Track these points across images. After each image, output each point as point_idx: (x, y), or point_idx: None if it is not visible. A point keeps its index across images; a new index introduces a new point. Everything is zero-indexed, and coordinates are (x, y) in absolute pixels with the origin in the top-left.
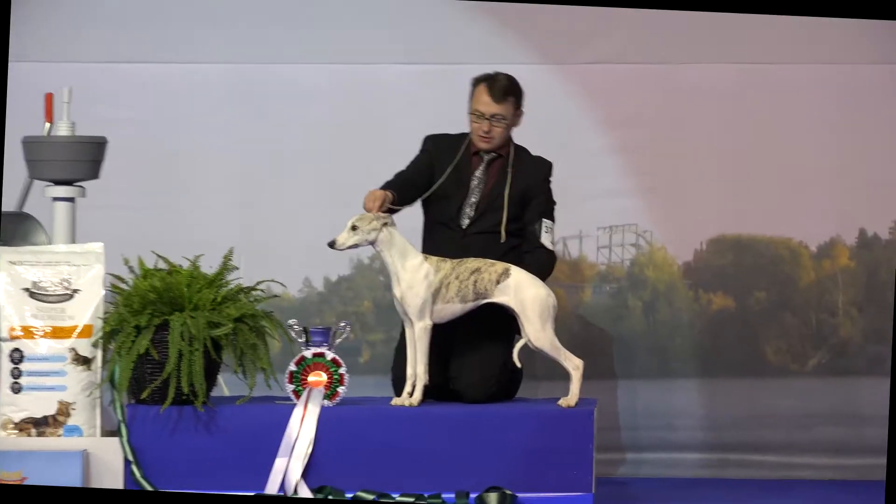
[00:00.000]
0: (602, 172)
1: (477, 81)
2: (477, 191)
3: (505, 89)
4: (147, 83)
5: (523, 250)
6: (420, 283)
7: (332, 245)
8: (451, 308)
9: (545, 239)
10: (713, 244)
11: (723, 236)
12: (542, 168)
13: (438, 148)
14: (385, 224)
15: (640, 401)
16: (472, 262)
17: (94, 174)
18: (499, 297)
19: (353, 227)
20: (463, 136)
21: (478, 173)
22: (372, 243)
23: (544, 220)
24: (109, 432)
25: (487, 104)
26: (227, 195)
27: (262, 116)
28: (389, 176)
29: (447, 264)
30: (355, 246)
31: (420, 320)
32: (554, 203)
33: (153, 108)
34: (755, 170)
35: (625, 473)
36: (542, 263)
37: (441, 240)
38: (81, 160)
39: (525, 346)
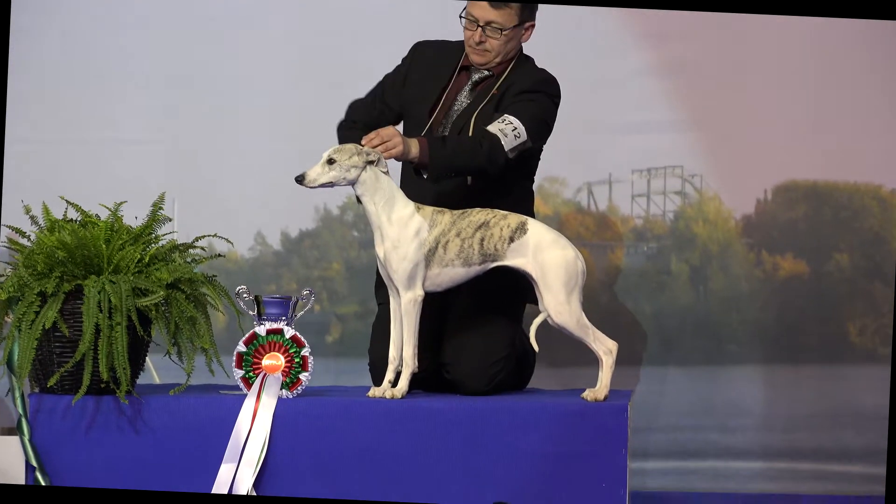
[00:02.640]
0: (638, 99)
1: None
2: (455, 116)
3: None
4: None
5: None
6: (408, 242)
7: (300, 180)
8: (451, 273)
9: (492, 126)
10: (780, 193)
11: (793, 182)
12: (537, 76)
13: (422, 58)
14: (370, 161)
15: (687, 394)
16: (477, 214)
17: None
18: (512, 259)
19: (330, 161)
20: (460, 45)
21: (462, 95)
22: (352, 184)
23: (507, 115)
24: (7, 430)
25: (482, 8)
26: (157, 126)
27: (202, 32)
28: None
29: (445, 217)
30: (330, 185)
31: (408, 290)
32: (542, 122)
33: (61, 15)
34: (834, 96)
35: (665, 486)
36: (462, 142)
37: (410, 183)
38: None
39: (543, 323)
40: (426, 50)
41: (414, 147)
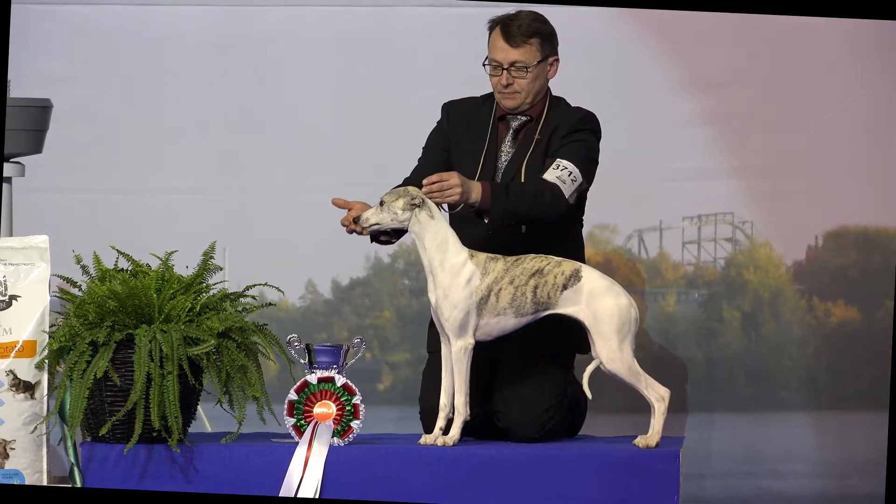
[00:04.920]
0: (688, 146)
1: (493, 24)
2: (503, 168)
3: (526, 30)
4: (101, 30)
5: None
6: (460, 290)
7: (356, 220)
8: (503, 323)
9: (550, 174)
10: (831, 239)
11: (844, 228)
12: (578, 115)
13: (457, 116)
14: (415, 204)
15: (738, 440)
16: (531, 261)
17: (36, 147)
18: (565, 307)
19: (381, 203)
20: (488, 97)
21: (505, 146)
22: (404, 226)
23: (560, 159)
24: (59, 479)
25: (503, 50)
26: (206, 174)
27: (249, 74)
28: (407, 147)
29: (498, 264)
30: (377, 226)
31: (459, 338)
32: (592, 160)
33: (110, 62)
34: (886, 142)
35: None
36: (525, 191)
37: (465, 238)
38: (20, 130)
39: (596, 370)
40: (458, 108)
41: (475, 191)
